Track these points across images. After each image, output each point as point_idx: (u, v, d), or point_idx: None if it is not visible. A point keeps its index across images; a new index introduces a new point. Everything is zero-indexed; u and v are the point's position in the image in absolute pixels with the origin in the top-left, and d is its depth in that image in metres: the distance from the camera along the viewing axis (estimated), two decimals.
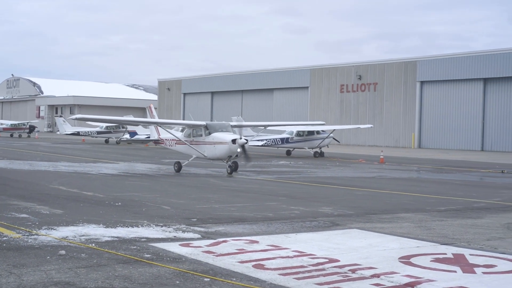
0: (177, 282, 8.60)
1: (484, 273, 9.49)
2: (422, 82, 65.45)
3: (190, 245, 11.26)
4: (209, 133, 28.33)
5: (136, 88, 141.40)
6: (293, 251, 10.86)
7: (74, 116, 28.84)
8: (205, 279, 8.77)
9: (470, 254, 10.86)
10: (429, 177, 29.43)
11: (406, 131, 66.24)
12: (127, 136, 62.73)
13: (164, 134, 32.15)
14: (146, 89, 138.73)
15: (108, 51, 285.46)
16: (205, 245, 11.23)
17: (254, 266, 9.66)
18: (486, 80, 60.51)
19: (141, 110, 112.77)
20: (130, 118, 33.84)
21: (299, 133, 46.41)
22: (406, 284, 8.67)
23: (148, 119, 34.40)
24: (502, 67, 58.59)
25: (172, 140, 30.90)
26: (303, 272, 9.31)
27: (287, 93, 79.50)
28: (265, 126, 38.37)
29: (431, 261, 10.27)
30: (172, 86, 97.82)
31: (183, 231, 12.69)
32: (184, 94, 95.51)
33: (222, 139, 27.80)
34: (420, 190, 22.55)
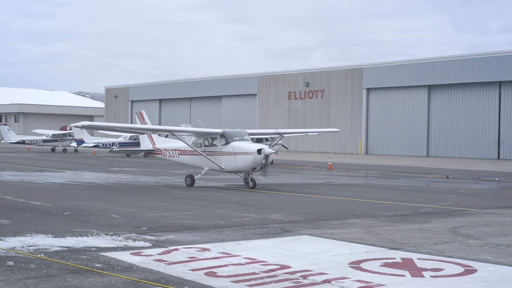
0: None
1: (432, 276, 9.68)
2: (368, 89, 66.33)
3: (141, 253, 11.19)
4: (227, 142, 25.51)
5: (82, 95, 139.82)
6: (244, 258, 10.90)
7: (81, 124, 24.43)
8: None
9: (418, 258, 11.06)
10: (376, 183, 29.83)
11: (353, 137, 67.02)
12: (74, 144, 61.89)
13: (162, 144, 28.97)
14: (93, 97, 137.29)
15: (54, 58, 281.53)
16: (156, 254, 11.19)
17: (206, 274, 9.67)
18: (430, 87, 61.68)
19: (87, 118, 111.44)
20: (146, 125, 29.37)
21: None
22: None
23: (162, 127, 31.36)
24: (445, 74, 59.83)
25: (175, 150, 27.77)
26: (255, 279, 9.36)
27: (235, 100, 79.63)
28: (282, 133, 32.09)
29: (380, 265, 10.43)
30: (120, 94, 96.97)
31: (134, 240, 12.60)
32: (132, 101, 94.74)
33: (246, 149, 24.92)
34: (368, 196, 22.86)
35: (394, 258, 11.08)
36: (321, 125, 68.85)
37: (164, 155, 28.52)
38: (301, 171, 37.22)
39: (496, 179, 32.38)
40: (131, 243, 12.24)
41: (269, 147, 25.14)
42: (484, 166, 45.13)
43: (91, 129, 31.40)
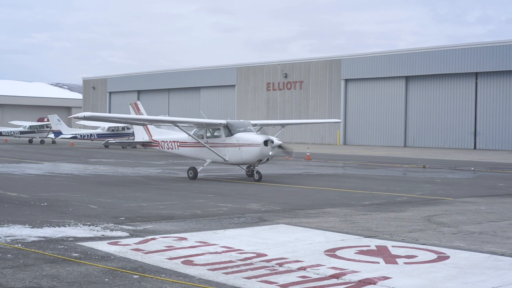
0: (106, 280, 8.61)
1: (405, 263, 9.85)
2: (346, 80, 66.62)
3: (119, 243, 11.25)
4: (231, 134, 24.69)
5: (60, 87, 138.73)
6: (221, 247, 11.00)
7: (82, 114, 23.34)
8: (134, 276, 8.81)
9: (393, 246, 11.24)
10: (354, 173, 30.06)
11: (332, 128, 67.29)
12: (51, 135, 61.57)
13: (159, 135, 28.06)
14: (71, 88, 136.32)
15: (31, 49, 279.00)
16: (134, 243, 11.25)
17: (183, 262, 9.76)
18: (408, 78, 62.09)
19: (65, 109, 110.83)
20: (148, 116, 28.46)
21: None
22: (332, 276, 8.93)
23: (166, 118, 29.85)
24: (423, 66, 60.27)
25: (174, 142, 26.93)
26: (231, 267, 9.46)
27: (214, 91, 79.60)
28: (283, 124, 32.45)
29: (355, 253, 10.59)
30: (98, 85, 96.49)
31: (111, 230, 12.65)
32: (110, 93, 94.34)
33: (252, 141, 24.11)
34: (345, 186, 23.06)
35: (369, 246, 11.24)
36: (299, 116, 69.10)
37: (162, 147, 27.60)
38: (279, 162, 37.34)
39: (472, 168, 32.76)
40: (108, 233, 12.29)
41: (276, 138, 24.28)
42: (460, 156, 45.59)
43: (92, 120, 29.96)
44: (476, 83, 57.71)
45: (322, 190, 21.57)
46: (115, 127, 56.72)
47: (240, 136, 24.49)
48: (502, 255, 10.60)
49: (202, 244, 11.25)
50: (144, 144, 29.08)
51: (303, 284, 8.48)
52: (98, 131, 57.45)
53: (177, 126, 26.32)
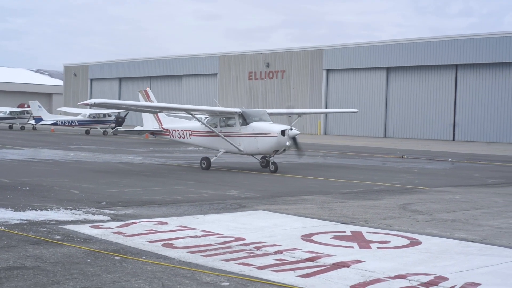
0: (89, 260, 8.87)
1: (378, 248, 10.20)
2: (328, 70, 66.98)
3: (100, 226, 11.50)
4: (247, 123, 23.92)
5: (41, 73, 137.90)
6: (201, 231, 11.28)
7: (92, 101, 22.43)
8: (116, 258, 9.08)
9: (367, 232, 11.58)
10: (333, 162, 30.44)
11: (313, 118, 67.65)
12: (32, 122, 61.37)
13: (170, 124, 27.35)
14: (52, 75, 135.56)
15: (11, 34, 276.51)
16: (115, 227, 11.51)
17: (163, 245, 10.03)
18: (389, 69, 62.56)
19: (46, 96, 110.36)
20: (161, 104, 27.51)
21: None
22: (307, 259, 9.25)
23: (178, 106, 28.14)
24: (404, 57, 60.76)
25: (185, 130, 26.22)
26: (210, 250, 9.75)
27: (195, 80, 79.67)
28: (300, 114, 30.94)
29: (331, 238, 10.92)
30: (79, 72, 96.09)
31: (93, 214, 12.89)
32: (91, 79, 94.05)
33: (268, 130, 23.31)
34: (325, 175, 23.41)
35: (345, 232, 11.58)
36: (281, 106, 69.32)
37: (172, 135, 26.94)
38: None
39: (450, 159, 33.26)
40: (90, 217, 12.53)
41: (292, 129, 23.41)
42: (439, 147, 46.16)
43: (102, 107, 28.53)
44: (456, 75, 58.30)
45: (301, 179, 21.90)
46: (96, 114, 56.71)
47: (256, 126, 23.72)
48: (472, 241, 10.98)
49: (182, 228, 11.53)
50: (154, 133, 28.45)
51: (279, 267, 8.78)
52: (79, 118, 57.41)
53: (191, 114, 25.32)
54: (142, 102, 27.61)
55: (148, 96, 28.68)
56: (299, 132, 23.71)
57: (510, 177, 24.37)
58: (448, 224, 12.81)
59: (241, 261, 9.08)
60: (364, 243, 10.53)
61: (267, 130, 23.34)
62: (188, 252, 9.58)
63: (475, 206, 15.63)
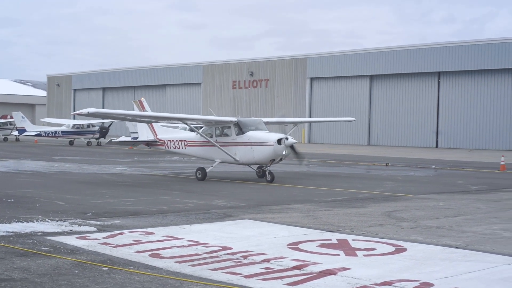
0: (76, 272, 8.89)
1: (364, 255, 10.30)
2: (312, 79, 67.27)
3: (87, 237, 11.51)
4: (242, 132, 23.66)
5: (24, 83, 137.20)
6: (188, 240, 11.33)
7: (86, 110, 21.56)
8: (104, 268, 9.10)
9: (353, 240, 11.68)
10: (318, 170, 30.56)
11: (297, 126, 67.72)
12: (15, 133, 61.03)
13: (165, 134, 27.04)
14: (35, 85, 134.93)
15: None
16: (102, 238, 11.52)
17: (150, 255, 10.07)
18: (372, 77, 62.93)
19: (29, 106, 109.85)
20: (155, 113, 26.84)
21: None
22: (294, 267, 9.33)
23: (173, 115, 27.80)
24: (387, 65, 61.16)
25: (180, 141, 25.87)
26: (197, 260, 9.80)
27: (180, 89, 79.71)
28: (296, 123, 31.13)
29: (317, 246, 11.01)
30: (62, 82, 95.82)
31: (79, 225, 12.89)
32: (75, 90, 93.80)
33: (265, 139, 23.10)
34: (309, 183, 23.52)
35: (331, 240, 11.67)
36: (265, 115, 69.53)
37: (167, 146, 26.55)
38: None
39: (433, 166, 33.50)
40: (76, 228, 12.54)
41: (291, 137, 23.53)
42: (422, 154, 46.48)
43: (95, 117, 27.99)
44: (439, 82, 58.77)
45: (286, 187, 21.99)
46: (80, 124, 56.55)
47: (251, 135, 23.47)
48: (457, 247, 11.11)
49: (169, 238, 11.57)
50: (149, 144, 28.10)
51: (266, 275, 8.85)
52: (63, 128, 57.19)
53: (186, 123, 25.23)
54: (135, 112, 27.27)
55: (143, 106, 28.25)
56: (295, 141, 23.49)
57: (492, 183, 24.61)
58: (432, 231, 12.94)
59: (228, 270, 9.13)
60: (350, 251, 10.62)
61: (263, 139, 23.12)
62: (176, 262, 9.62)
63: (458, 213, 15.78)
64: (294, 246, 11.00)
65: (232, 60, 75.90)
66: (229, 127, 24.10)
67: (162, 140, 26.84)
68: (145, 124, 27.46)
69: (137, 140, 29.34)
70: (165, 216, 14.50)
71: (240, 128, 23.78)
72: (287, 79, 69.29)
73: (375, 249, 10.86)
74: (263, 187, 22.03)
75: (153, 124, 26.92)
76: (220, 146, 23.89)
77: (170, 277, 8.68)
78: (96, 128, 56.40)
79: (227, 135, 24.18)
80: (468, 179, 26.50)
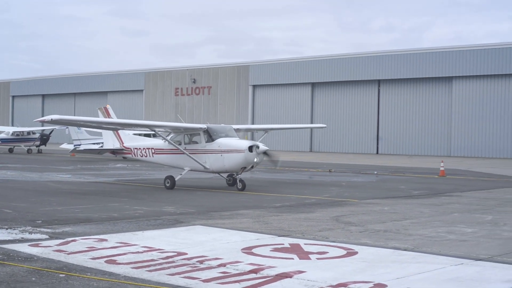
0: (33, 279, 8.87)
1: (318, 259, 10.55)
2: (254, 86, 67.70)
3: (40, 245, 11.45)
4: (212, 139, 23.15)
5: None
6: (142, 247, 11.38)
7: (49, 117, 20.67)
8: (61, 275, 9.10)
9: (305, 244, 11.93)
10: (262, 177, 30.81)
11: (240, 134, 68.03)
12: None
13: (131, 142, 26.28)
14: None
15: None
16: (55, 245, 11.48)
17: (106, 261, 10.09)
18: (314, 85, 63.73)
19: None
20: (123, 120, 25.97)
21: None
22: (250, 271, 9.50)
23: (139, 122, 27.13)
24: (328, 73, 62.06)
25: (148, 148, 25.08)
26: (154, 265, 9.88)
27: (121, 96, 79.10)
28: (266, 129, 30.60)
29: (270, 250, 11.21)
30: (0, 89, 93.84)
31: (30, 233, 12.79)
32: (13, 96, 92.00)
33: (235, 147, 22.64)
34: (256, 189, 23.72)
35: (283, 244, 11.90)
36: (208, 121, 69.44)
37: (134, 154, 25.80)
38: None
39: (375, 172, 34.17)
40: (27, 236, 12.44)
41: (262, 144, 22.96)
42: (364, 160, 47.29)
43: (59, 124, 26.93)
44: (379, 90, 59.94)
45: (233, 193, 22.15)
46: (20, 132, 55.54)
47: (222, 142, 22.98)
48: (405, 250, 11.47)
49: (122, 244, 11.60)
50: (115, 152, 27.42)
51: (224, 279, 9.00)
52: (2, 136, 56.05)
53: (154, 130, 24.52)
54: (102, 118, 26.52)
55: (108, 114, 27.46)
56: (267, 148, 22.93)
57: (433, 188, 25.29)
58: (380, 234, 13.30)
59: (186, 274, 9.25)
60: (303, 254, 10.86)
61: (233, 146, 22.65)
62: (132, 267, 9.68)
63: (404, 217, 16.22)
64: (248, 250, 11.18)
65: (174, 67, 75.82)
66: (199, 134, 23.58)
67: (128, 148, 26.09)
68: (111, 132, 26.63)
69: (103, 148, 28.41)
70: (116, 223, 14.50)
71: (210, 135, 23.28)
72: (229, 86, 69.58)
73: (327, 252, 11.12)
74: (211, 193, 22.14)
75: (119, 131, 26.14)
76: (190, 153, 23.30)
77: (128, 282, 8.75)
78: (37, 135, 55.49)
79: (196, 142, 23.66)
80: (409, 184, 27.15)
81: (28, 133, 55.53)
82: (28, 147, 55.23)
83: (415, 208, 18.34)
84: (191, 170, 24.00)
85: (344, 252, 11.18)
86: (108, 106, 28.26)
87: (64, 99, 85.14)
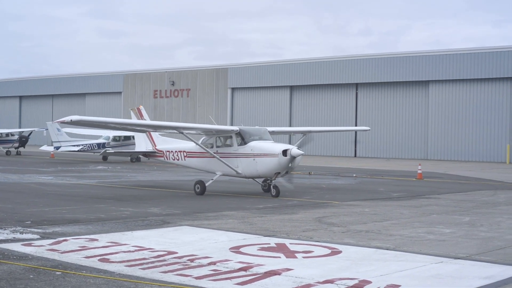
0: (31, 276, 9.17)
1: (304, 257, 10.96)
2: (233, 89, 68.04)
3: (32, 244, 11.73)
4: (245, 142, 22.09)
5: None
6: (133, 246, 11.72)
7: (69, 118, 19.51)
8: (57, 273, 9.41)
9: (290, 243, 12.34)
10: (241, 179, 31.08)
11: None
12: None
13: (164, 144, 25.46)
14: None
15: None
16: (48, 244, 11.77)
17: (100, 260, 10.42)
18: (292, 88, 64.23)
19: None
20: (146, 121, 25.18)
21: (115, 138, 46.67)
22: (240, 269, 9.88)
23: (168, 124, 25.67)
24: (307, 76, 62.56)
25: (180, 151, 24.24)
26: (146, 263, 10.22)
27: (99, 98, 78.98)
28: (305, 132, 29.42)
29: (258, 250, 11.60)
30: None
31: (21, 233, 13.05)
32: None
33: (269, 150, 21.44)
34: (238, 191, 24.09)
35: (269, 244, 12.29)
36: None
37: (166, 157, 24.94)
38: (170, 169, 37.96)
39: (354, 175, 34.68)
40: (19, 236, 12.70)
41: (297, 148, 22.00)
42: (342, 163, 47.81)
43: (80, 125, 25.02)
44: (357, 93, 60.57)
45: (217, 195, 22.49)
46: (8, 132, 55.37)
47: (255, 145, 21.85)
48: (387, 249, 11.92)
49: (113, 244, 11.92)
50: (147, 155, 26.55)
51: (215, 276, 9.37)
52: None
53: (182, 133, 22.72)
54: (126, 120, 25.54)
55: (141, 115, 26.57)
56: (302, 152, 21.85)
57: (412, 190, 25.82)
58: (362, 234, 13.74)
59: (178, 272, 9.60)
60: (290, 253, 11.26)
61: (267, 150, 21.53)
62: (126, 266, 10.01)
63: (384, 218, 16.69)
64: (236, 249, 11.55)
65: (153, 69, 75.87)
66: (231, 136, 22.56)
67: (161, 151, 25.29)
68: (143, 134, 26.01)
69: (135, 151, 27.89)
70: (105, 223, 14.79)
71: (242, 138, 22.25)
72: (208, 88, 69.85)
73: (313, 251, 11.53)
74: (194, 195, 22.42)
75: (151, 133, 25.52)
76: (221, 157, 22.33)
77: (124, 279, 9.08)
78: (16, 137, 55.33)
79: (228, 145, 22.61)
80: (388, 186, 27.68)
81: (7, 134, 55.34)
82: (7, 149, 55.03)
83: (395, 209, 18.82)
84: (223, 175, 23.10)
85: (328, 251, 11.59)
86: (141, 107, 27.41)
87: (42, 101, 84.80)
